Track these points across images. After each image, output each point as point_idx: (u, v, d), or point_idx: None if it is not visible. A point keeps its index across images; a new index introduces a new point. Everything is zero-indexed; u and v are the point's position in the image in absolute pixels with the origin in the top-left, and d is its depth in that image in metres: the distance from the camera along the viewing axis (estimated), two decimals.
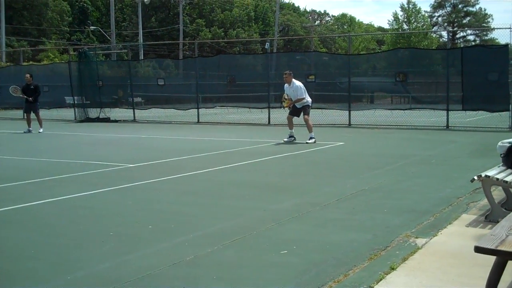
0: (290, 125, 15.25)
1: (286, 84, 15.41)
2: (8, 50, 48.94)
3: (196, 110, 24.33)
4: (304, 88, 15.40)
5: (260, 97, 24.48)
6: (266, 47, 57.89)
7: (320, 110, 23.41)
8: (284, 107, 15.88)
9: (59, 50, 55.19)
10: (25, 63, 34.79)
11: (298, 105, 15.33)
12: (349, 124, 20.95)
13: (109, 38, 55.48)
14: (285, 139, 15.00)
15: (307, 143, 14.56)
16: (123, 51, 40.57)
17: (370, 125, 20.59)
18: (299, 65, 25.77)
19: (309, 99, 15.47)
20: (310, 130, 15.05)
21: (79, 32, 66.11)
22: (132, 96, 26.54)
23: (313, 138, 14.83)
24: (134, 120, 25.18)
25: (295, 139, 15.00)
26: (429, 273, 4.32)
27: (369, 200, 7.20)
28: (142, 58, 45.40)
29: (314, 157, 12.14)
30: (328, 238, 5.39)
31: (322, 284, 4.12)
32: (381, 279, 4.17)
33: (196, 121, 23.72)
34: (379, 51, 54.33)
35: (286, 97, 15.28)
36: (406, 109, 22.41)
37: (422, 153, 12.46)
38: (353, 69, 22.26)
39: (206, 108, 26.10)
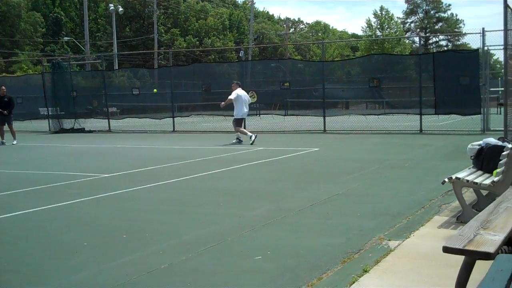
0: None
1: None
2: None
3: (172, 119, 24.31)
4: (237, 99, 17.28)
5: None
6: (241, 55, 58.05)
7: (295, 116, 23.58)
8: None
9: (33, 62, 54.74)
10: None
11: None
12: (324, 130, 21.08)
13: (83, 48, 55.12)
14: None
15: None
16: (97, 61, 40.29)
17: (345, 130, 20.76)
18: (274, 73, 25.91)
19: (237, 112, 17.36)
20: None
21: (53, 43, 65.63)
22: (107, 106, 26.39)
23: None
24: (109, 130, 25.06)
25: None
26: (401, 275, 4.39)
27: (343, 205, 7.27)
28: (117, 68, 45.12)
29: (289, 163, 12.20)
30: (302, 243, 5.43)
31: None
32: (354, 282, 4.22)
33: (172, 130, 23.70)
34: (353, 57, 54.72)
35: None
36: (380, 114, 22.69)
37: (396, 157, 12.59)
38: (328, 75, 22.45)
39: (181, 117, 26.10)
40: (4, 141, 19.24)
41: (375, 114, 23.10)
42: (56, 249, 5.48)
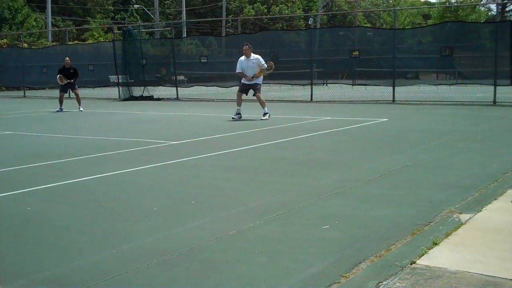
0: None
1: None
2: (54, 30, 49.74)
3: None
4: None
5: (303, 74, 24.36)
6: (309, 23, 57.36)
7: (363, 86, 23.22)
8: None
9: (104, 29, 55.84)
10: (70, 43, 35.28)
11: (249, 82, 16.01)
12: (393, 100, 20.70)
13: (152, 16, 55.85)
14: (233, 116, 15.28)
15: (261, 119, 14.86)
16: (166, 29, 40.73)
17: (415, 101, 20.31)
18: (343, 41, 25.50)
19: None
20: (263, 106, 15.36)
21: (123, 11, 66.71)
22: (175, 74, 26.72)
23: (267, 113, 15.17)
24: (177, 98, 25.39)
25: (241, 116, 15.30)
26: (473, 249, 4.28)
27: (413, 176, 7.14)
28: (185, 36, 45.54)
29: (357, 133, 12.06)
30: (370, 214, 5.38)
31: (364, 258, 4.12)
32: (423, 254, 4.14)
33: None
34: (425, 25, 53.17)
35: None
36: (452, 85, 22.05)
37: (468, 129, 12.24)
38: (398, 44, 21.90)
39: None
40: (62, 107, 19.80)
41: (446, 84, 22.47)
42: (127, 213, 5.63)
